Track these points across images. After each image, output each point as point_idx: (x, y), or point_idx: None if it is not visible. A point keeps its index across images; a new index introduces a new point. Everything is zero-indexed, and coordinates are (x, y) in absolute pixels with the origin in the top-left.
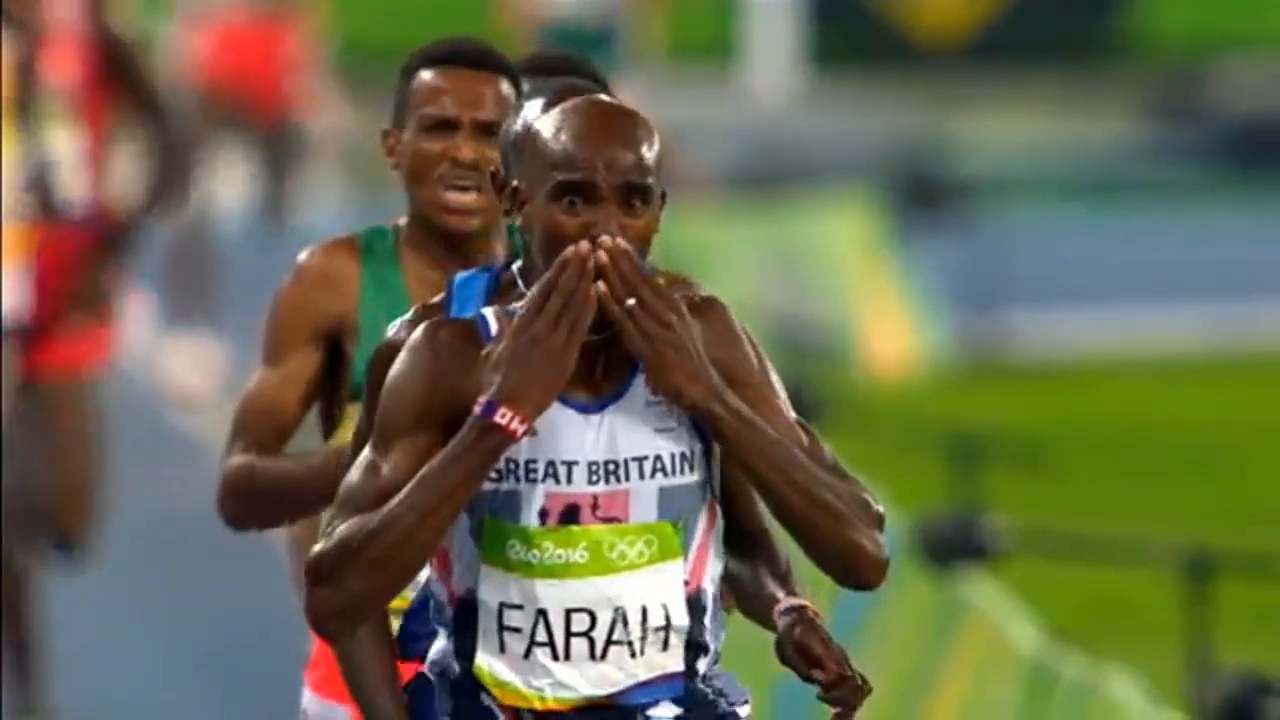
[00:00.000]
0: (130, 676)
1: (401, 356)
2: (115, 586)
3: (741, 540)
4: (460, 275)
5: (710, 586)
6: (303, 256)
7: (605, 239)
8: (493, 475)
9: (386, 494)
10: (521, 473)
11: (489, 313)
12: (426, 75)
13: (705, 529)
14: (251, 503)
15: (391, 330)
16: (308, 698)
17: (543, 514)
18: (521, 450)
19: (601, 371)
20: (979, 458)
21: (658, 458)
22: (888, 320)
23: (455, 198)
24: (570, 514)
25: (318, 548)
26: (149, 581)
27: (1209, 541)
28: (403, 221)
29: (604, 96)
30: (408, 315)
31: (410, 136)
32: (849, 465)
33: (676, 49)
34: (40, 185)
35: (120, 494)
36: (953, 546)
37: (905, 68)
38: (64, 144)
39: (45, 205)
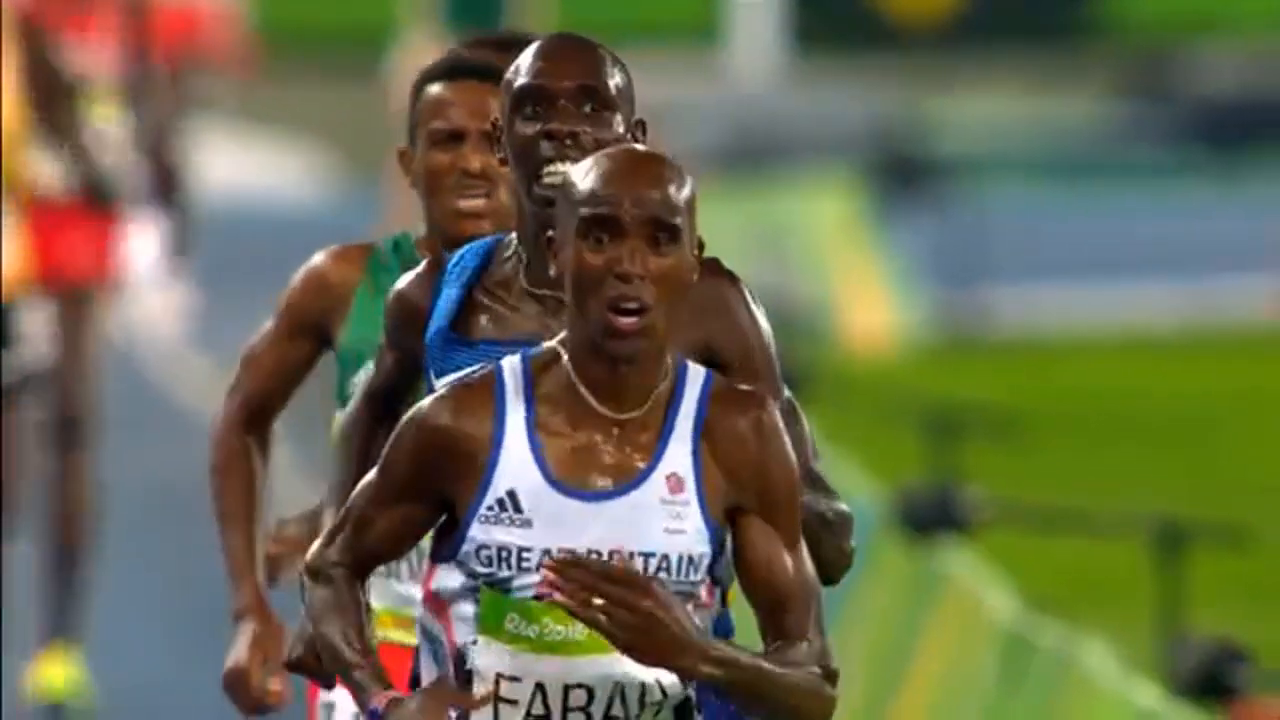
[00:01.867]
0: (126, 647)
1: (414, 416)
2: (111, 558)
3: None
4: (455, 255)
5: None
6: (317, 257)
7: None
8: (483, 560)
9: (370, 550)
10: (514, 561)
11: (509, 367)
12: (433, 91)
13: (699, 609)
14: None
15: (402, 282)
16: (326, 693)
17: (537, 596)
18: (515, 539)
19: (623, 453)
20: (956, 431)
21: (664, 557)
22: (867, 296)
23: (465, 204)
24: None
25: (312, 553)
26: (144, 553)
27: (1181, 512)
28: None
29: (637, 145)
30: (419, 268)
31: (421, 152)
32: (829, 439)
33: (660, 31)
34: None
35: (115, 466)
36: (931, 518)
37: (885, 50)
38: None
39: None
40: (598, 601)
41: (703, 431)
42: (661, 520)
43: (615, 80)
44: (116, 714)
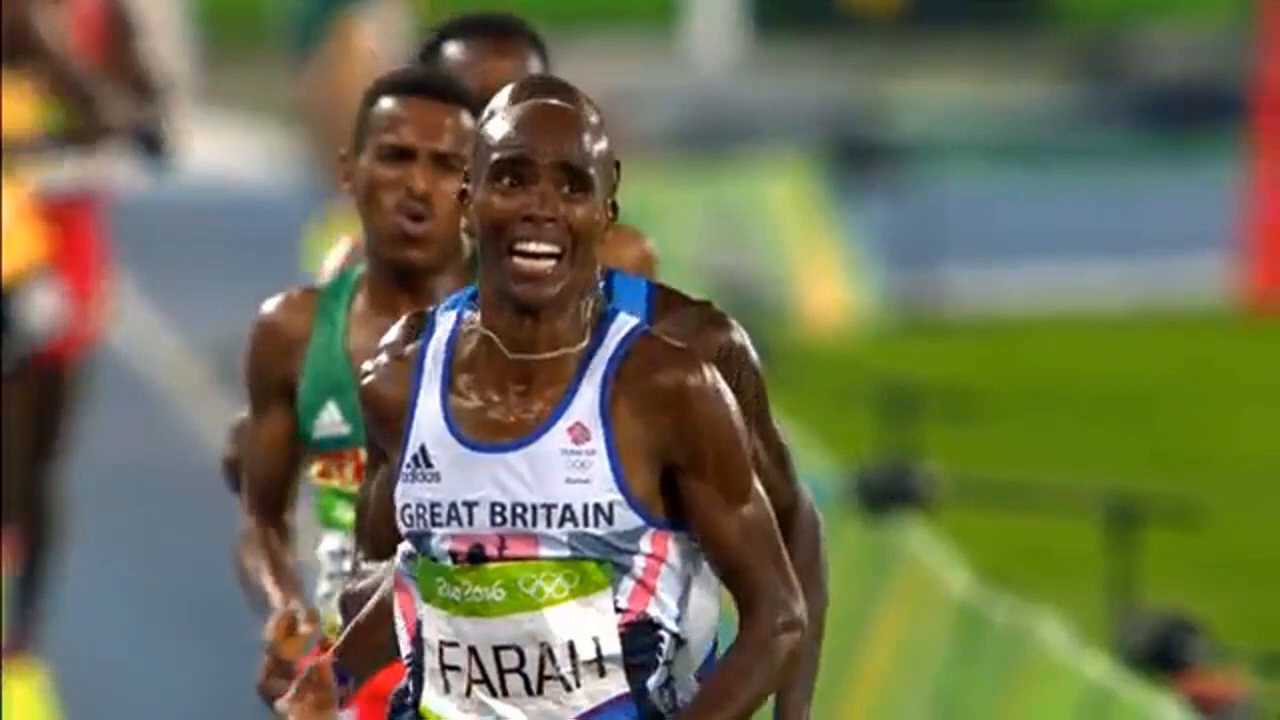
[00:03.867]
0: (95, 623)
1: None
2: (83, 537)
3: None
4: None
5: (662, 610)
6: (264, 308)
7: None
8: (406, 520)
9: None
10: (428, 517)
11: (443, 323)
12: (387, 103)
13: (650, 560)
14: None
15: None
16: None
17: (453, 554)
18: (428, 494)
19: (527, 406)
20: (912, 409)
21: (568, 507)
22: (824, 276)
23: (412, 227)
24: (476, 553)
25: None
26: (113, 530)
27: (1133, 488)
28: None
29: (553, 98)
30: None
31: (366, 163)
32: (787, 416)
33: (620, 16)
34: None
35: (85, 445)
36: (887, 494)
37: (841, 34)
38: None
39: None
40: None
41: (619, 382)
42: (563, 470)
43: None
44: (86, 690)
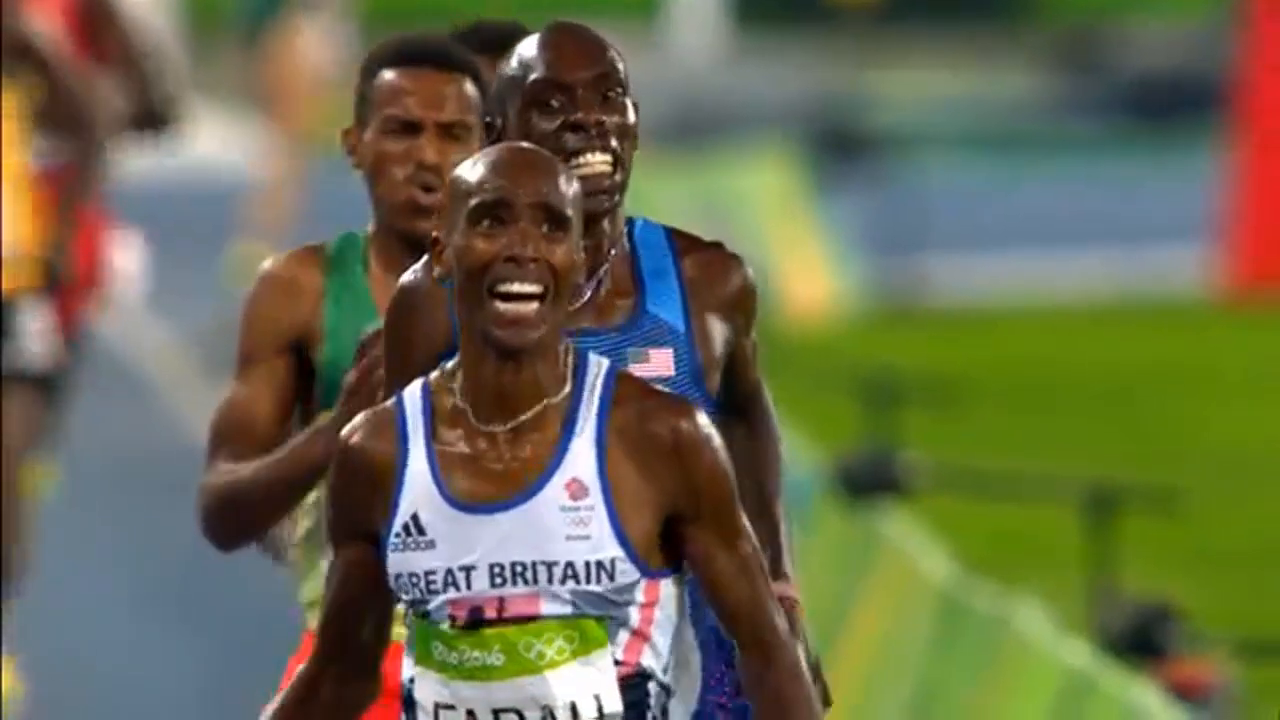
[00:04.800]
0: (89, 613)
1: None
2: (70, 525)
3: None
4: None
5: (655, 659)
6: (267, 264)
7: None
8: (401, 589)
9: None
10: (423, 585)
11: (408, 394)
12: (389, 75)
13: (644, 609)
14: (241, 513)
15: (408, 276)
16: None
17: (451, 620)
18: (422, 563)
19: (519, 463)
20: (894, 398)
21: (569, 565)
22: (807, 267)
23: (424, 198)
24: (475, 617)
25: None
26: (103, 521)
27: (1113, 477)
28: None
29: (524, 144)
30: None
31: (372, 137)
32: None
33: (601, 8)
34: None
35: (71, 435)
36: (869, 482)
37: (823, 26)
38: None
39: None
40: None
41: (613, 434)
42: (563, 528)
43: (621, 63)
44: (73, 678)
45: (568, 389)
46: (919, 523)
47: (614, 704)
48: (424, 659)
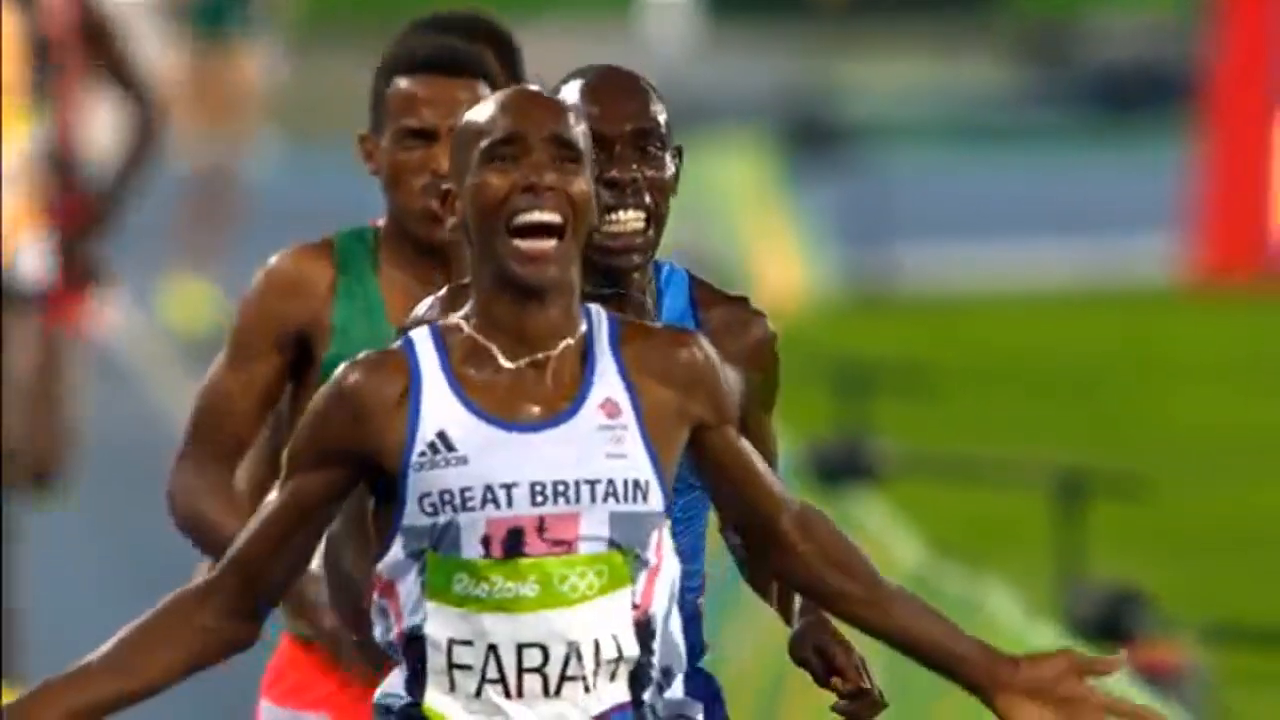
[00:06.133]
0: (66, 604)
1: (327, 385)
2: (53, 516)
3: (756, 529)
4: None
5: (660, 610)
6: (274, 260)
7: None
8: (426, 509)
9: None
10: (458, 502)
11: (419, 336)
12: (403, 83)
13: (658, 553)
14: (205, 546)
15: (422, 308)
16: (270, 711)
17: (485, 542)
18: (453, 479)
19: (549, 390)
20: (865, 385)
21: (610, 482)
22: (778, 255)
23: (437, 206)
24: (514, 539)
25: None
26: (80, 508)
27: (1081, 462)
28: (382, 223)
29: (529, 85)
30: (440, 293)
31: (388, 145)
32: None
33: (578, 1)
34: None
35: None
36: (841, 468)
37: (795, 18)
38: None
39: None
40: None
41: (631, 360)
42: (602, 445)
43: (662, 115)
44: (48, 666)
45: (582, 327)
46: (890, 507)
47: (631, 648)
48: (440, 593)
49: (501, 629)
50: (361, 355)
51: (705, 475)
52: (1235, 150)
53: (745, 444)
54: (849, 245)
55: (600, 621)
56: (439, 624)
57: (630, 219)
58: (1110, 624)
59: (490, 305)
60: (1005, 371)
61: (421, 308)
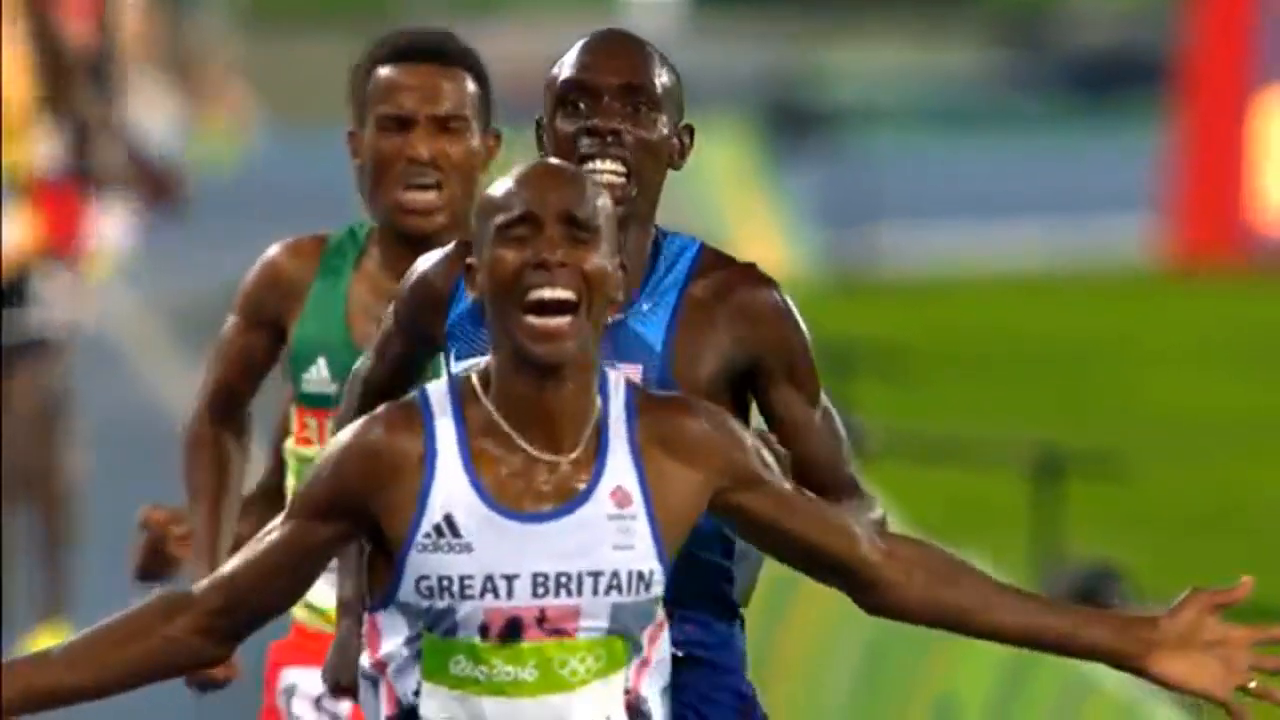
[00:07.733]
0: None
1: (343, 435)
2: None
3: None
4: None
5: (650, 692)
6: (272, 249)
7: None
8: (423, 591)
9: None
10: (457, 590)
11: (434, 391)
12: (382, 72)
13: (652, 637)
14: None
15: (425, 262)
16: (290, 673)
17: (483, 629)
18: (455, 566)
19: (562, 477)
20: (848, 366)
21: (614, 574)
22: (762, 237)
23: (413, 197)
24: (513, 628)
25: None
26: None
27: (1059, 442)
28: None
29: (551, 160)
30: (446, 250)
31: (369, 136)
32: None
33: None
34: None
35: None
36: None
37: (777, 3)
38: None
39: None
40: None
41: (645, 440)
42: (610, 537)
43: (663, 80)
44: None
45: (598, 403)
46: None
47: None
48: (436, 674)
49: (499, 711)
50: (383, 409)
51: (753, 539)
52: (1211, 134)
53: (784, 492)
54: (831, 228)
55: (595, 703)
56: (434, 706)
57: (606, 169)
58: (1087, 601)
59: (508, 384)
60: (984, 353)
61: (425, 261)
